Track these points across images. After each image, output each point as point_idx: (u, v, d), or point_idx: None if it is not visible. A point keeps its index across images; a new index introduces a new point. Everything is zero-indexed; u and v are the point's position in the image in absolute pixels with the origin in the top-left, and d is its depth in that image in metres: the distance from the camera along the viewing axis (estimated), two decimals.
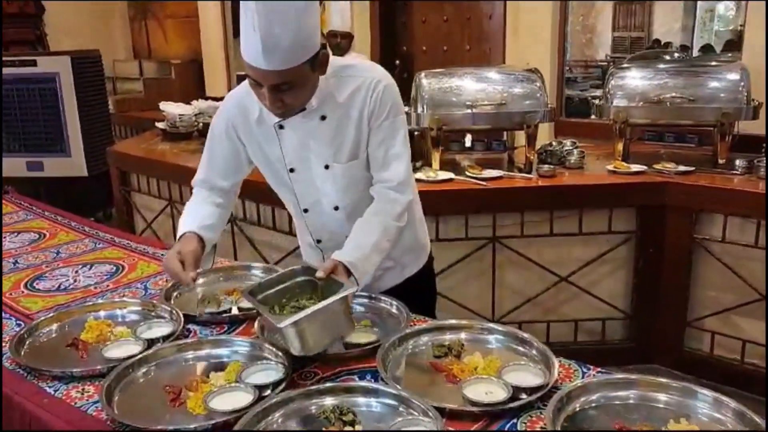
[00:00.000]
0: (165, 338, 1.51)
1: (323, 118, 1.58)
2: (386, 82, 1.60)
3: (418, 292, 1.83)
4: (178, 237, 1.64)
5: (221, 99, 5.45)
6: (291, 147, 1.62)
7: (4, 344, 1.53)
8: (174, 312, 1.62)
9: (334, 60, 1.58)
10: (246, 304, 1.68)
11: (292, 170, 1.65)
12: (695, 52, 6.95)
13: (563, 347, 2.97)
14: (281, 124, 1.59)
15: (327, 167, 1.63)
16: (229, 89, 6.61)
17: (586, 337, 3.07)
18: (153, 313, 1.67)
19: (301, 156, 1.63)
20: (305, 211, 1.72)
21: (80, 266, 2.08)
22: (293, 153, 1.63)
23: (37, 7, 6.53)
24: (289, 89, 1.43)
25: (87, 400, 1.30)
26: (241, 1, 1.37)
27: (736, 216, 2.72)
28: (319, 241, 1.77)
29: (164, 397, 1.30)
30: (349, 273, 1.49)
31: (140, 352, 1.43)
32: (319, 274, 1.46)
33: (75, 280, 1.96)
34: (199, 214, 1.68)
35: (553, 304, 3.03)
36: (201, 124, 4.27)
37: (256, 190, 3.11)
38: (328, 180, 1.65)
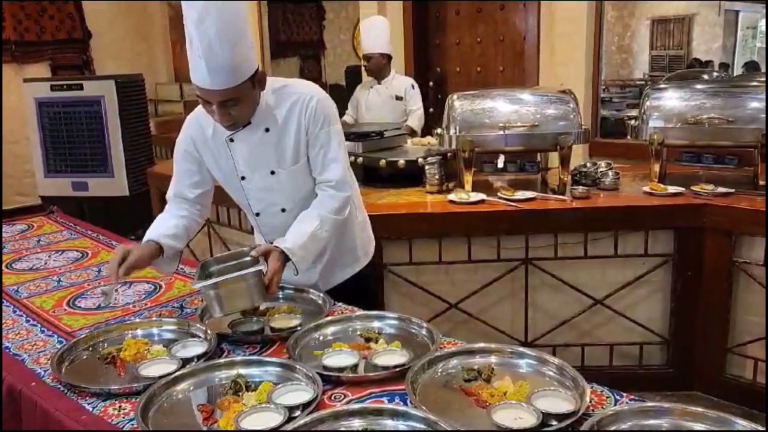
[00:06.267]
0: (199, 357, 1.54)
1: (267, 130, 1.83)
2: (319, 96, 1.85)
3: (362, 290, 2.11)
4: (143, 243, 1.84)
5: None
6: (241, 157, 1.87)
7: (46, 361, 1.58)
8: (208, 332, 1.66)
9: (273, 80, 1.85)
10: (278, 324, 1.73)
11: (243, 178, 1.90)
12: (738, 70, 6.81)
13: (598, 371, 2.92)
14: (231, 138, 1.84)
15: (273, 173, 1.88)
16: None
17: (622, 362, 3.01)
18: (188, 332, 1.71)
19: (250, 165, 1.87)
20: (257, 214, 1.97)
21: (120, 285, 2.14)
22: (243, 162, 1.87)
23: (84, 33, 6.81)
24: (234, 104, 1.69)
25: (123, 417, 1.34)
26: (186, 34, 1.62)
27: None
28: (271, 242, 1.90)
29: (197, 415, 1.33)
30: (286, 257, 1.74)
31: (175, 371, 1.47)
32: (253, 253, 1.75)
33: (115, 299, 2.02)
34: (164, 225, 1.89)
35: (588, 327, 2.99)
36: None
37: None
38: (275, 184, 1.89)
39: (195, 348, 1.60)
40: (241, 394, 1.39)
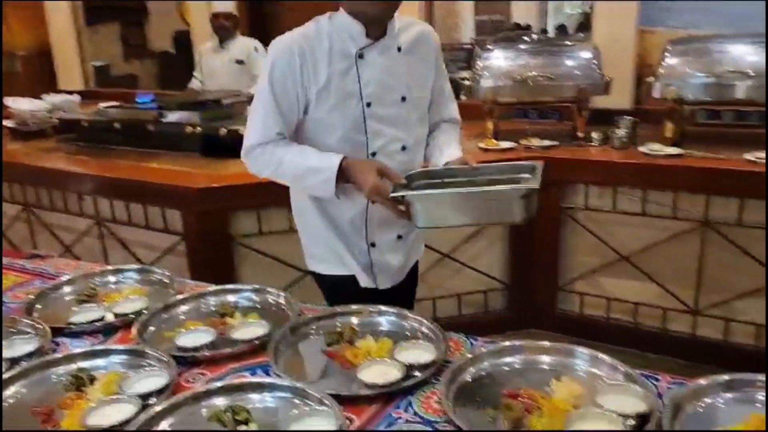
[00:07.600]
0: (30, 355, 1.37)
1: (399, 49, 1.66)
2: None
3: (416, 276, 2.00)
4: (338, 164, 1.58)
5: (76, 93, 5.03)
6: (371, 77, 1.63)
7: None
8: (39, 326, 1.48)
9: None
10: (121, 309, 1.59)
11: (368, 104, 1.64)
12: (552, 33, 7.44)
13: (450, 321, 3.07)
14: (361, 53, 1.61)
15: (404, 99, 1.68)
16: (86, 81, 6.13)
17: (470, 310, 3.20)
18: (14, 329, 1.52)
19: (380, 87, 1.64)
20: (373, 154, 1.67)
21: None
22: (373, 84, 1.63)
23: None
24: None
25: None
26: None
27: (595, 185, 2.94)
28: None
29: (34, 420, 1.19)
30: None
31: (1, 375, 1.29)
32: (474, 164, 1.68)
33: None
34: (308, 149, 1.66)
35: (439, 280, 3.12)
36: (57, 120, 3.93)
37: (125, 187, 2.95)
38: (402, 114, 1.69)
39: (23, 346, 1.42)
40: (84, 389, 1.26)
